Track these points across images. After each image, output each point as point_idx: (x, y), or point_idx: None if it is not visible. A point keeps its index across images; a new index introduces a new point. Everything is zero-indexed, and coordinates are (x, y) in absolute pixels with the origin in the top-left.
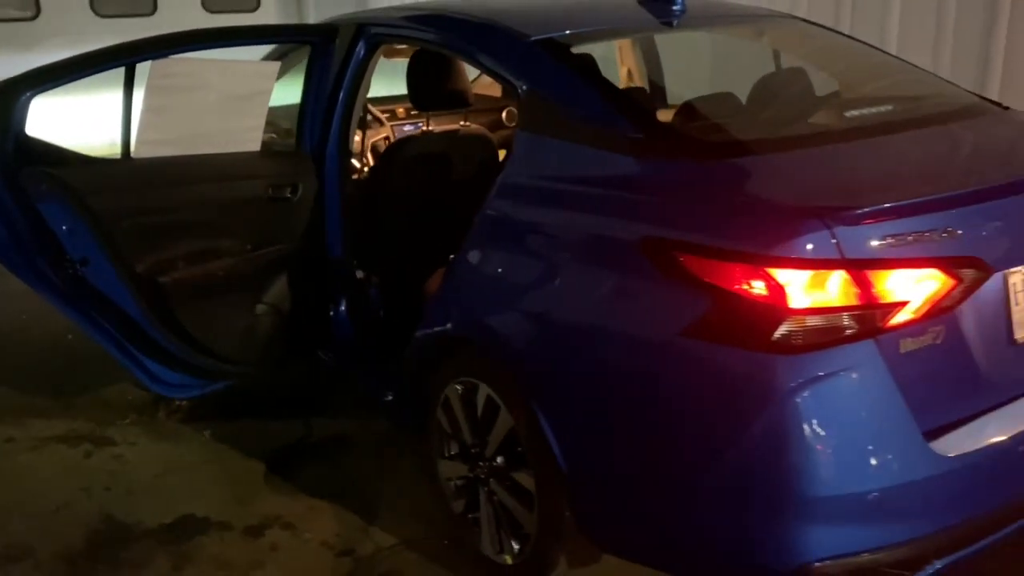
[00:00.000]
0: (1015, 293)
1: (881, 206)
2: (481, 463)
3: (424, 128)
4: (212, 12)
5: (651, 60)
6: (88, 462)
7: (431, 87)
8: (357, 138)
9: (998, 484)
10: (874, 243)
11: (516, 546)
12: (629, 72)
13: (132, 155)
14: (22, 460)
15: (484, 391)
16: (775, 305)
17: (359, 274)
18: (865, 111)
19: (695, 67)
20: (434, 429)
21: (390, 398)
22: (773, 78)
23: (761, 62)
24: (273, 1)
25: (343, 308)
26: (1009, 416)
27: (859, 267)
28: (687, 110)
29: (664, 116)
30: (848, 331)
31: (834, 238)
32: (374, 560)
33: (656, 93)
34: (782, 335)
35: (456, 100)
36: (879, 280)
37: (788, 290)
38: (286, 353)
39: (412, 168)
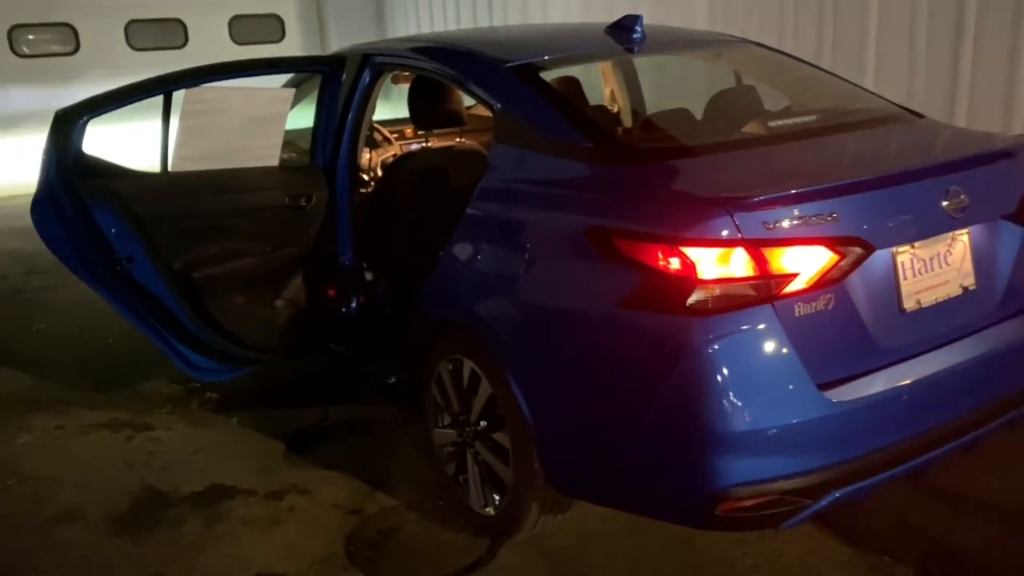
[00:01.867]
0: (903, 269)
1: (774, 195)
2: (468, 428)
3: (424, 145)
4: (240, 44)
5: (631, 81)
6: (130, 444)
7: (428, 109)
8: (368, 156)
9: (886, 429)
10: (768, 225)
11: (497, 499)
12: (612, 92)
13: (170, 169)
14: (72, 443)
15: (468, 366)
16: (688, 277)
17: (368, 276)
18: (788, 121)
19: (669, 86)
20: (429, 404)
21: (393, 380)
22: (725, 94)
23: (723, 80)
24: (297, 32)
25: (354, 305)
26: (897, 373)
27: (756, 245)
28: (643, 124)
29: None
30: (748, 297)
31: (734, 222)
32: (378, 518)
33: (638, 109)
34: (694, 301)
35: (451, 120)
36: (773, 255)
37: (698, 265)
38: (302, 343)
39: (413, 180)
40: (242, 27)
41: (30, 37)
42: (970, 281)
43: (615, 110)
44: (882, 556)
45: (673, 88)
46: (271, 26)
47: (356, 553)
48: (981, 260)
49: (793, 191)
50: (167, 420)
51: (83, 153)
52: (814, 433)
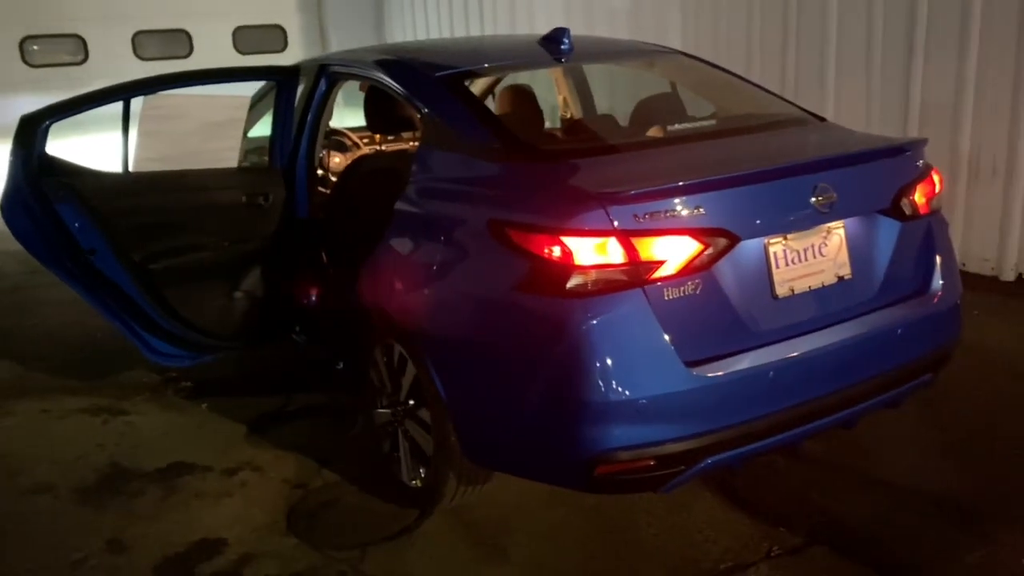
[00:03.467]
0: (775, 258)
1: (644, 190)
2: (398, 407)
3: (379, 148)
4: (244, 53)
5: (581, 89)
6: (105, 427)
7: (381, 114)
8: (336, 159)
9: (754, 403)
10: (639, 217)
11: (423, 472)
12: (564, 99)
13: (130, 169)
14: (52, 425)
15: (397, 350)
16: (567, 264)
17: (329, 270)
18: (687, 125)
19: (620, 93)
20: (368, 387)
21: (341, 366)
22: (649, 100)
23: (662, 87)
24: (299, 41)
25: (313, 298)
26: (765, 353)
27: (626, 235)
28: (566, 127)
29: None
30: (620, 282)
31: (608, 214)
32: (320, 492)
33: (581, 114)
34: (572, 285)
35: (403, 125)
36: (643, 244)
37: (575, 253)
38: (260, 332)
39: (364, 181)
40: (246, 37)
41: (40, 48)
42: (846, 271)
43: (568, 115)
44: (777, 527)
45: (624, 94)
46: (274, 36)
47: (296, 522)
48: (857, 252)
49: (661, 187)
50: (143, 406)
51: (46, 154)
52: (683, 405)
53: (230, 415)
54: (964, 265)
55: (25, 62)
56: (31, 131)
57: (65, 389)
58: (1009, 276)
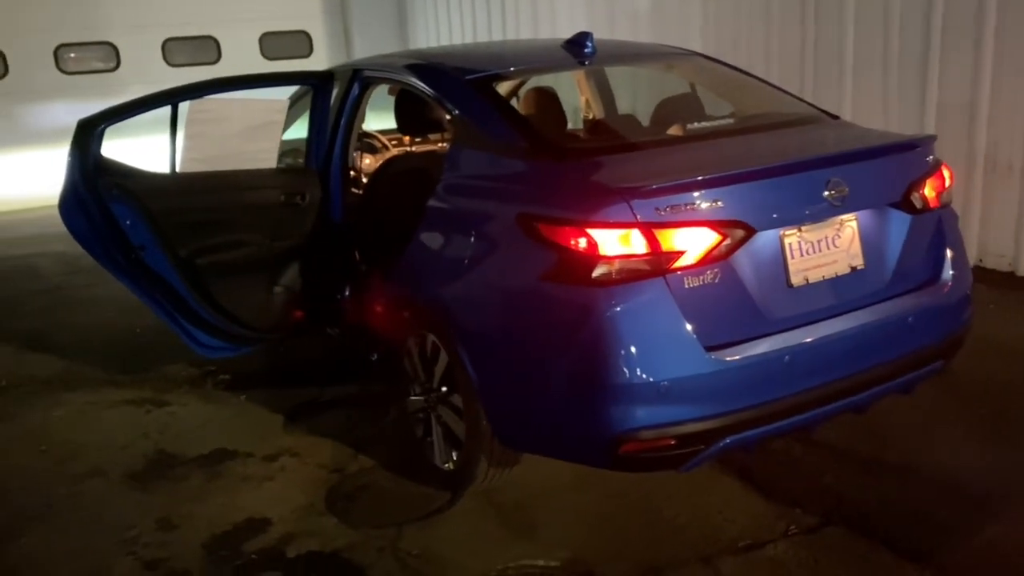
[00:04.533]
0: (791, 249)
1: (665, 184)
2: (431, 394)
3: (409, 150)
4: (270, 59)
5: (603, 90)
6: (148, 416)
7: (411, 116)
8: (367, 160)
9: (770, 387)
10: (660, 210)
11: (455, 455)
12: (586, 100)
13: (177, 170)
14: (99, 416)
15: (430, 339)
16: (592, 254)
17: (362, 267)
18: (705, 124)
19: (642, 94)
20: (402, 376)
21: (375, 358)
22: (669, 100)
23: (682, 89)
24: (324, 47)
25: (347, 293)
26: (781, 339)
27: (649, 227)
28: (589, 127)
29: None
30: (643, 271)
31: (631, 208)
32: (356, 476)
33: (604, 115)
34: (598, 274)
35: (433, 126)
36: (664, 236)
37: (600, 244)
38: (298, 326)
39: (395, 181)
40: (272, 43)
41: (74, 55)
42: (859, 262)
43: (590, 116)
44: (793, 509)
45: (646, 96)
46: (300, 42)
47: (334, 503)
48: (870, 243)
49: (681, 181)
50: (184, 398)
51: (102, 156)
52: (702, 387)
53: (267, 405)
54: (981, 261)
55: (60, 69)
56: (87, 134)
57: (109, 382)
58: None
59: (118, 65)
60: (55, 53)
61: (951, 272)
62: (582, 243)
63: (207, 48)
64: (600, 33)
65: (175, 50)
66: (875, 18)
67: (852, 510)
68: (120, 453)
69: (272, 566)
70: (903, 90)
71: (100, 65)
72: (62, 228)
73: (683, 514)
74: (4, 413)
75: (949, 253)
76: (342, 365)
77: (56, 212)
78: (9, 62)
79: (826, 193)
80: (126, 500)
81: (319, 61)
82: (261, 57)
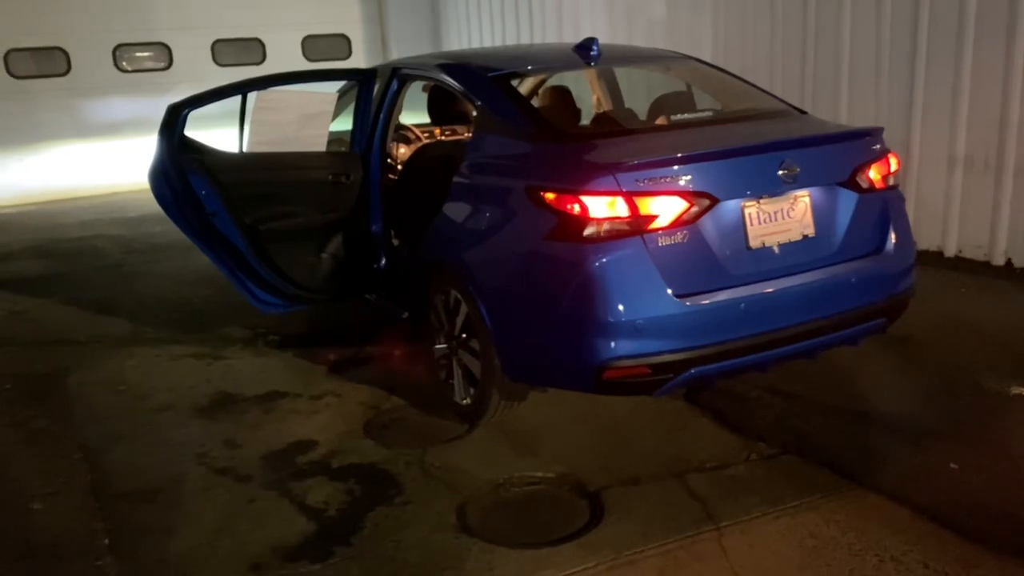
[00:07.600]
0: (750, 218)
1: (644, 161)
2: (453, 341)
3: (439, 139)
4: (312, 60)
5: (612, 88)
6: (209, 367)
7: (442, 108)
8: (402, 150)
9: (728, 328)
10: (640, 182)
11: (472, 391)
12: (598, 98)
13: (244, 151)
14: (166, 365)
15: (453, 294)
16: (584, 217)
17: (395, 242)
18: (688, 115)
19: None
20: (429, 327)
21: (405, 315)
22: (664, 96)
23: (678, 87)
24: (363, 50)
25: (383, 263)
26: (740, 291)
27: (630, 195)
28: (597, 118)
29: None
30: (624, 231)
31: (615, 180)
32: (390, 411)
33: (610, 109)
34: (588, 233)
35: (460, 118)
36: (642, 203)
37: (590, 209)
38: (341, 288)
39: (426, 166)
40: (314, 45)
41: (131, 55)
42: (810, 231)
43: (600, 110)
44: (757, 442)
45: (651, 93)
46: (339, 44)
47: (371, 430)
48: (821, 216)
49: (658, 159)
50: (239, 353)
51: (185, 135)
52: (671, 326)
53: (312, 360)
54: (960, 251)
55: (117, 68)
56: (175, 116)
57: (172, 340)
58: (999, 260)
59: (170, 64)
60: (113, 52)
61: (894, 244)
62: (576, 208)
63: (253, 49)
64: (619, 38)
65: (223, 51)
66: (868, 26)
67: (806, 443)
68: (187, 392)
69: (319, 472)
70: (893, 93)
71: (154, 64)
72: (119, 214)
73: (662, 443)
74: (86, 362)
75: (893, 228)
76: (376, 328)
77: (112, 200)
78: (72, 60)
79: (780, 172)
80: (195, 427)
81: (357, 63)
82: (303, 58)
